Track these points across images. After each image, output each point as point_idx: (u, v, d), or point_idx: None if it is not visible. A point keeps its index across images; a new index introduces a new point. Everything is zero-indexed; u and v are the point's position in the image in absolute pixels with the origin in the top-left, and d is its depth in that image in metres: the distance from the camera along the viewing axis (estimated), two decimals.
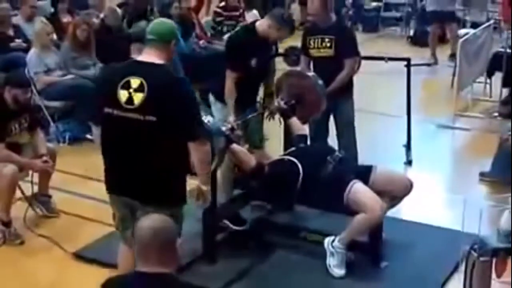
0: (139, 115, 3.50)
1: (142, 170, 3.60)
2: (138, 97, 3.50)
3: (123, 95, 3.53)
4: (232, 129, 4.74)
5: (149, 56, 3.65)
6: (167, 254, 2.73)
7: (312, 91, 5.25)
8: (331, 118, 5.86)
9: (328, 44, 5.62)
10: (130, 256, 3.87)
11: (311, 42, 5.67)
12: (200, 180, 3.80)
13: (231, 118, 5.02)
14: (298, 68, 5.81)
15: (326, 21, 5.68)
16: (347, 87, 5.75)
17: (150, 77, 3.53)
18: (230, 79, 5.11)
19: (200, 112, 3.74)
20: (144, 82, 3.50)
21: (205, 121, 4.24)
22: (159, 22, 3.82)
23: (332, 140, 5.85)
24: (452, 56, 10.22)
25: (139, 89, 3.50)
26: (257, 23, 5.19)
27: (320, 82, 5.27)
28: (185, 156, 3.63)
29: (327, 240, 4.60)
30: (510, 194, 3.86)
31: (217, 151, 4.27)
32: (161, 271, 2.70)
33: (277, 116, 5.33)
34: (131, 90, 3.52)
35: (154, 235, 2.71)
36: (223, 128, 4.59)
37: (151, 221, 2.79)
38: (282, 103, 5.21)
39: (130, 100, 3.51)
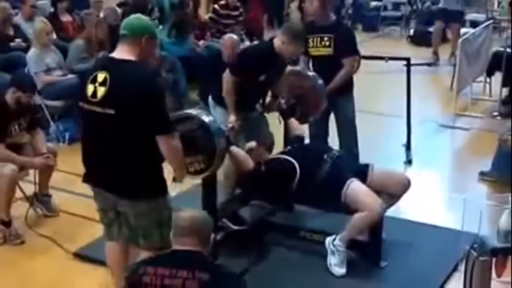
0: (100, 108, 3.55)
1: (111, 163, 3.64)
2: (101, 91, 3.55)
3: (89, 89, 3.60)
4: (232, 128, 4.74)
5: (120, 52, 3.67)
6: (202, 242, 3.05)
7: (312, 91, 5.25)
8: (331, 117, 5.86)
9: (327, 43, 5.61)
10: (119, 251, 3.92)
11: (310, 41, 5.66)
12: (175, 173, 3.80)
13: (232, 118, 5.02)
14: (298, 68, 5.80)
15: (325, 20, 5.68)
16: (347, 86, 5.74)
17: (115, 72, 3.56)
18: (229, 82, 5.08)
19: (166, 107, 3.65)
20: (107, 77, 3.55)
21: (206, 120, 4.24)
22: (134, 17, 3.81)
23: (333, 140, 5.85)
24: (452, 55, 10.25)
25: (103, 83, 3.55)
26: (274, 39, 5.16)
27: (320, 82, 5.27)
28: (154, 150, 3.60)
29: (328, 239, 4.60)
30: (510, 194, 3.87)
31: (218, 151, 4.27)
32: (195, 249, 3.01)
33: (276, 114, 5.32)
34: (96, 84, 3.58)
35: (190, 224, 3.05)
36: (224, 128, 4.58)
37: (192, 211, 3.18)
38: (282, 102, 5.21)
39: (94, 93, 3.57)
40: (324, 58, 5.58)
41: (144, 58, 3.68)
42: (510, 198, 3.87)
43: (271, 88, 5.40)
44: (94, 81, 3.59)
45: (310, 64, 5.83)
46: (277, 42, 5.07)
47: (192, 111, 4.37)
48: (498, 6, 12.49)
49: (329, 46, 5.61)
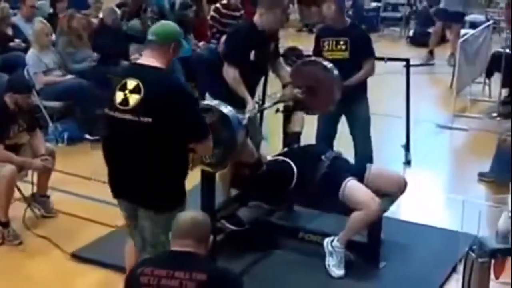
0: (134, 116, 3.47)
1: (138, 173, 3.58)
2: (133, 99, 3.48)
3: (118, 96, 3.52)
4: (250, 119, 4.67)
5: (148, 58, 3.62)
6: (201, 243, 3.03)
7: (328, 85, 5.19)
8: (341, 120, 5.84)
9: (343, 47, 5.60)
10: (133, 253, 3.87)
11: (325, 45, 5.64)
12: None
13: (250, 106, 4.86)
14: (314, 58, 5.71)
15: (341, 24, 5.67)
16: (362, 87, 5.74)
17: (147, 79, 3.51)
18: (230, 71, 5.02)
19: (200, 113, 3.70)
20: (140, 84, 3.48)
21: (225, 111, 4.11)
22: (162, 23, 3.80)
23: (339, 142, 5.82)
24: (452, 56, 10.25)
25: (135, 90, 3.48)
26: (254, 18, 5.14)
27: (337, 73, 5.19)
28: (183, 160, 3.62)
29: (326, 240, 4.60)
30: (509, 195, 3.86)
31: (239, 144, 4.14)
32: (193, 251, 3.00)
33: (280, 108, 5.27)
34: (126, 92, 3.50)
35: (192, 225, 3.04)
36: (244, 121, 4.42)
37: (192, 213, 3.17)
38: (298, 91, 5.15)
39: (125, 101, 3.50)
40: (339, 62, 5.51)
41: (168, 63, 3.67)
42: (509, 199, 3.86)
43: (263, 76, 5.30)
44: (123, 88, 3.51)
45: None
46: (255, 17, 5.05)
47: (211, 103, 4.22)
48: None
49: (346, 50, 5.60)
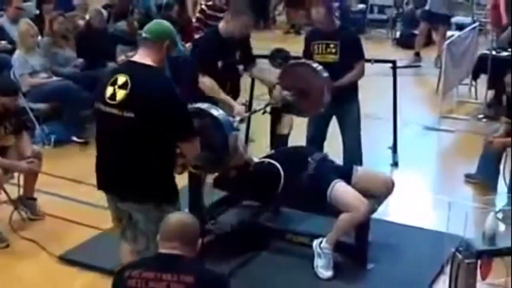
0: (119, 111, 3.54)
1: (123, 166, 3.62)
2: (120, 94, 3.54)
3: (108, 91, 3.59)
4: (241, 120, 4.67)
5: (141, 56, 3.68)
6: (188, 246, 3.02)
7: (317, 85, 5.20)
8: (331, 123, 5.84)
9: (333, 50, 5.59)
10: (129, 252, 3.87)
11: (315, 47, 5.64)
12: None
13: (237, 108, 4.86)
14: (304, 60, 5.71)
15: (330, 26, 5.67)
16: (353, 89, 5.74)
17: (136, 76, 3.56)
18: (205, 82, 4.96)
19: (189, 113, 3.70)
20: (128, 80, 3.54)
21: (215, 114, 4.12)
22: (156, 22, 3.84)
23: (330, 144, 5.83)
24: (438, 58, 10.31)
25: (123, 86, 3.55)
26: (219, 25, 5.15)
27: (326, 75, 5.21)
28: (168, 156, 3.65)
29: (315, 242, 4.60)
30: (495, 196, 3.89)
31: (231, 148, 4.16)
32: (180, 253, 2.99)
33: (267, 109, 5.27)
34: (115, 87, 3.57)
35: (179, 228, 3.03)
36: (234, 124, 4.41)
37: (179, 215, 3.19)
38: (287, 94, 5.17)
39: (113, 95, 3.56)
40: (330, 65, 5.52)
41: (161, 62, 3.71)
42: (494, 200, 3.89)
43: (237, 75, 5.28)
44: (114, 83, 3.58)
45: None
46: (221, 24, 5.08)
47: (201, 106, 4.20)
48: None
49: (335, 53, 5.59)
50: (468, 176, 6.24)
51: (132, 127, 3.52)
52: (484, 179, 6.00)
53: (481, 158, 6.16)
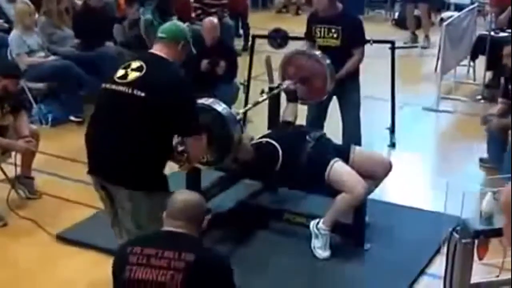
0: (128, 88, 3.56)
1: (117, 148, 3.58)
2: (133, 75, 3.59)
3: (119, 72, 3.64)
4: (245, 113, 4.67)
5: (156, 50, 3.77)
6: (193, 224, 3.04)
7: (319, 73, 5.21)
8: (331, 103, 5.83)
9: (335, 35, 5.56)
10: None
11: (317, 31, 5.61)
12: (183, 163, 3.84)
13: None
14: (305, 49, 5.70)
15: (332, 11, 5.62)
16: (355, 71, 5.73)
17: (151, 63, 3.65)
18: None
19: (197, 110, 3.72)
20: (144, 65, 3.61)
21: (219, 109, 4.17)
22: (172, 23, 4.00)
23: (329, 125, 5.81)
24: (427, 38, 10.48)
25: (137, 69, 3.61)
26: None
27: (329, 62, 5.24)
28: (167, 146, 3.67)
29: (312, 222, 4.60)
30: (496, 176, 3.86)
31: (235, 141, 4.21)
32: (183, 231, 2.99)
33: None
34: (128, 70, 3.62)
35: (184, 206, 3.03)
36: (238, 117, 4.45)
37: (186, 194, 3.17)
38: (289, 83, 5.17)
39: (124, 76, 3.61)
40: (331, 49, 5.51)
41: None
42: (493, 181, 3.88)
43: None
44: (127, 67, 3.64)
45: None
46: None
47: (205, 102, 4.23)
48: None
49: (337, 38, 5.57)
50: (481, 160, 6.17)
51: (140, 107, 3.53)
52: (494, 162, 5.94)
53: (488, 142, 6.10)
